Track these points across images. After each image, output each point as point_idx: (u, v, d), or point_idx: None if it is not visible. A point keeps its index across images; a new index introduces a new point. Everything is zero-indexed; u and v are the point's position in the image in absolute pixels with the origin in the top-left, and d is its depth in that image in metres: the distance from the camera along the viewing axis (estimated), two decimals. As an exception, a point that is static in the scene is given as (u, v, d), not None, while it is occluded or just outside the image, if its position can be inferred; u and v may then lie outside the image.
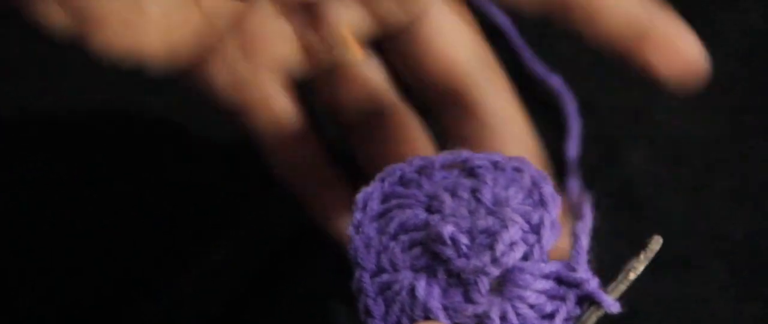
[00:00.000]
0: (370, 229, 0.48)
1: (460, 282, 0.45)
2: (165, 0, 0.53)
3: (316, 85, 0.58)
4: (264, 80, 0.56)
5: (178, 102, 0.82)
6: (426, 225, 0.46)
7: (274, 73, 0.56)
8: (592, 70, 0.84)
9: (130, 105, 0.82)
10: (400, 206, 0.48)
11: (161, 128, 0.81)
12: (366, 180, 0.54)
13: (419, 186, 0.48)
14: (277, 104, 0.57)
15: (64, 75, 0.82)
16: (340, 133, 0.60)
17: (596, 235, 0.48)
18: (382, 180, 0.49)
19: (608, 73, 0.84)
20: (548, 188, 0.47)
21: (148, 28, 0.53)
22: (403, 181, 0.49)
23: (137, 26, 0.52)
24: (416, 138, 0.56)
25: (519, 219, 0.45)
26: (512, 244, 0.44)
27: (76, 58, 0.62)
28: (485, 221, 0.45)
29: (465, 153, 0.48)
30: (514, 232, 0.44)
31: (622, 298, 0.47)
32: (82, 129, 0.81)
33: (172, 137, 0.81)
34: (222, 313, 0.73)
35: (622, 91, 0.84)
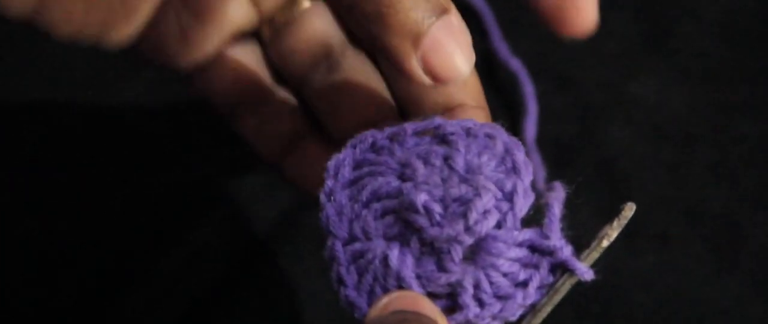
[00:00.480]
0: (342, 196, 0.48)
1: (434, 251, 0.45)
2: None
3: (267, 39, 0.57)
4: (216, 39, 0.55)
5: (153, 87, 0.82)
6: (399, 193, 0.46)
7: (226, 32, 0.55)
8: (571, 47, 0.84)
9: (107, 91, 0.82)
10: (371, 173, 0.48)
11: (139, 114, 0.81)
12: (325, 134, 0.53)
13: (391, 153, 0.48)
14: (232, 62, 0.56)
15: (34, 64, 0.82)
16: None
17: (574, 209, 0.48)
18: (354, 146, 0.49)
19: (587, 49, 0.84)
20: (521, 155, 0.46)
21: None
22: (375, 148, 0.49)
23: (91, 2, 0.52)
24: (370, 80, 0.55)
25: (492, 187, 0.44)
26: (485, 212, 0.44)
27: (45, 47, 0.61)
28: (458, 189, 0.44)
29: (438, 119, 0.48)
30: (487, 200, 0.44)
31: (597, 267, 0.46)
32: (61, 117, 0.81)
33: (149, 123, 0.80)
34: (205, 295, 0.73)
35: (600, 66, 0.84)
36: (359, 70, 0.55)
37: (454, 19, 0.45)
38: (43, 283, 0.73)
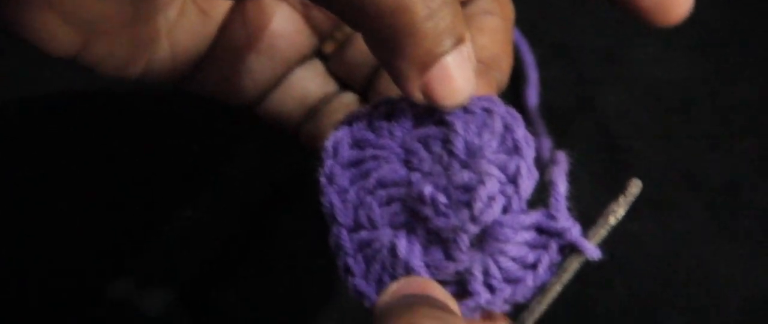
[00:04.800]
0: (343, 178, 0.47)
1: (441, 239, 0.44)
2: (169, 6, 0.53)
3: (329, 55, 0.58)
4: (279, 69, 0.56)
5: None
6: (405, 181, 0.45)
7: (289, 60, 0.56)
8: (567, 13, 0.84)
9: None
10: (375, 158, 0.47)
11: (131, 94, 0.80)
12: None
13: (392, 134, 0.47)
14: (296, 86, 0.57)
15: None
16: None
17: (573, 178, 0.47)
18: (350, 124, 0.48)
19: (583, 15, 0.84)
20: (521, 131, 0.45)
21: (156, 36, 0.52)
22: (372, 127, 0.48)
23: (142, 36, 0.51)
24: None
25: (495, 171, 0.43)
26: (490, 200, 0.43)
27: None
28: (461, 176, 0.44)
29: None
30: (491, 187, 0.43)
31: (602, 243, 0.46)
32: (48, 91, 0.80)
33: (141, 101, 0.80)
34: (197, 273, 0.73)
35: (597, 34, 0.83)
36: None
37: (466, 49, 0.44)
38: (35, 259, 0.73)
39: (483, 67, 0.51)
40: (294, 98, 0.57)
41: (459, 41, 0.43)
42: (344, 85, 0.58)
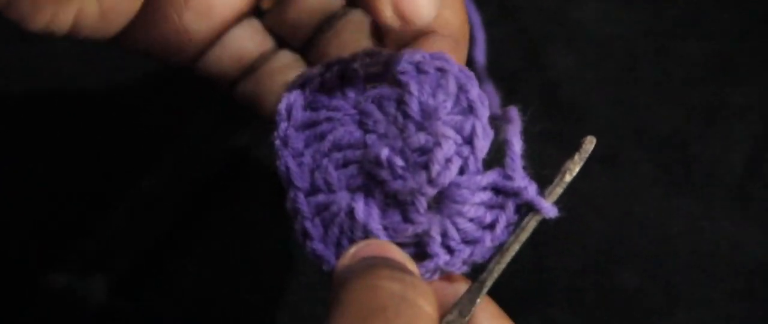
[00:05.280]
0: (298, 141, 0.47)
1: (398, 202, 0.44)
2: None
3: (266, 11, 0.57)
4: (216, 27, 0.55)
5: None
6: (360, 143, 0.45)
7: (226, 17, 0.55)
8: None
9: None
10: (329, 119, 0.46)
11: (85, 65, 0.79)
12: None
13: (345, 95, 0.47)
14: (233, 44, 0.56)
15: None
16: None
17: (525, 138, 0.47)
18: (302, 85, 0.48)
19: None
20: (475, 90, 0.45)
21: None
22: (325, 88, 0.47)
23: None
24: (367, 35, 0.55)
25: (451, 133, 0.43)
26: (447, 161, 0.43)
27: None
28: (417, 138, 0.43)
29: (385, 53, 0.47)
30: (448, 149, 0.43)
31: (558, 201, 0.46)
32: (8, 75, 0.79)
33: (94, 74, 0.78)
34: (154, 244, 0.72)
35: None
36: (359, 28, 0.54)
37: None
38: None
39: (452, 41, 0.52)
40: (231, 57, 0.56)
41: None
42: (282, 42, 0.57)
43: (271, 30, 0.57)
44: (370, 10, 0.44)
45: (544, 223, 0.46)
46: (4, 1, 0.48)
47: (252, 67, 0.56)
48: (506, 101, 0.75)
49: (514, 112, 0.46)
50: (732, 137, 0.76)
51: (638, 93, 0.78)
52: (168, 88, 0.76)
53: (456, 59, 0.50)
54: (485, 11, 0.81)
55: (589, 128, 0.47)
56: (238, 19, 0.56)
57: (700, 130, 0.76)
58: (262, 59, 0.56)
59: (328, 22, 0.55)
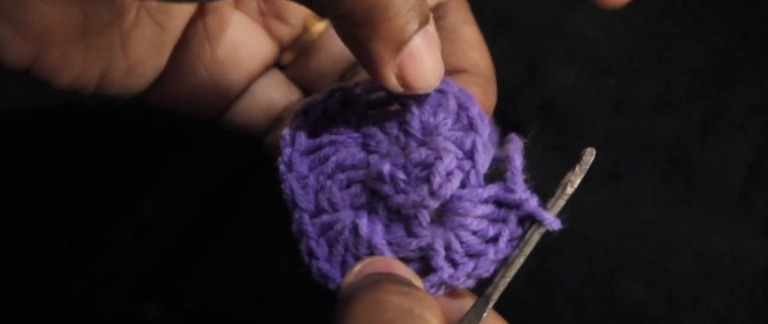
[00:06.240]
0: (302, 165, 0.47)
1: (401, 217, 0.45)
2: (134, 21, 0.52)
3: (287, 64, 0.58)
4: (243, 81, 0.57)
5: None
6: (363, 164, 0.46)
7: (252, 71, 0.56)
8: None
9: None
10: (332, 143, 0.47)
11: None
12: None
13: (347, 120, 0.48)
14: (258, 97, 0.58)
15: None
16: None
17: (526, 153, 0.48)
18: (306, 113, 0.49)
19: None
20: (475, 109, 0.46)
21: (109, 47, 0.51)
22: (328, 114, 0.48)
23: (96, 47, 0.51)
24: None
25: (452, 147, 0.44)
26: (448, 175, 0.44)
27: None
28: (418, 154, 0.44)
29: None
30: (448, 161, 0.44)
31: (560, 213, 0.47)
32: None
33: (93, 98, 0.79)
34: (158, 262, 0.72)
35: (539, 5, 0.84)
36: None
37: (432, 29, 0.45)
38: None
39: (484, 80, 0.54)
40: (260, 107, 0.58)
41: (424, 21, 0.44)
42: (306, 92, 0.59)
43: (295, 81, 0.58)
44: (375, 76, 0.45)
45: (548, 236, 0.46)
46: (30, 59, 0.49)
47: (280, 117, 0.58)
48: (508, 115, 0.76)
49: (514, 136, 0.48)
50: (733, 147, 0.76)
51: (638, 104, 0.78)
52: (169, 118, 0.76)
53: (487, 97, 0.52)
54: (484, 28, 0.81)
55: (589, 140, 0.47)
56: (264, 70, 0.57)
57: (701, 140, 0.76)
58: (290, 109, 0.57)
59: (351, 68, 0.56)
